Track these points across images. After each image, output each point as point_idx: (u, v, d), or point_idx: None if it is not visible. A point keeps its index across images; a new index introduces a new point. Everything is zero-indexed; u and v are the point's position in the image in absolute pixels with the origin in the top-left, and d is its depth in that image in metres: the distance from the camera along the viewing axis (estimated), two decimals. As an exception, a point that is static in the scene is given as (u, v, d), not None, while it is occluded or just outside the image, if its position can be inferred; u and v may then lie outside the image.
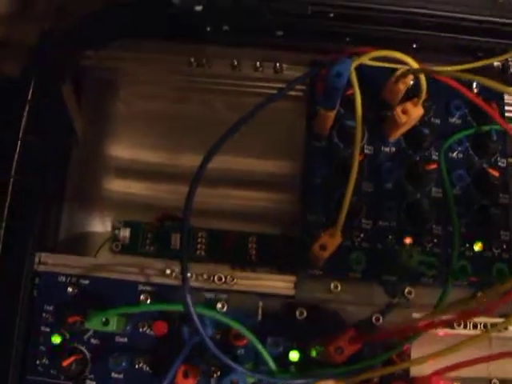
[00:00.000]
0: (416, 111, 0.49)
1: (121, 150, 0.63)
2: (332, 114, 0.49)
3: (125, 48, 0.57)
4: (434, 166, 0.52)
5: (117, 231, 0.60)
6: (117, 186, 0.63)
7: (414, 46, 0.57)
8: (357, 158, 0.44)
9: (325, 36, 0.57)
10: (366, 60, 0.47)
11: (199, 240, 0.61)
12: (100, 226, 0.62)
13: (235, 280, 0.51)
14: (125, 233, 0.60)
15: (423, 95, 0.48)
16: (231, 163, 0.62)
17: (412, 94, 0.51)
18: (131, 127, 0.63)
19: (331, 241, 0.46)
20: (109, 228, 0.62)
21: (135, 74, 0.58)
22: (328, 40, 0.57)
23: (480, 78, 0.42)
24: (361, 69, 0.48)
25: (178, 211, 0.62)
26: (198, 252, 0.60)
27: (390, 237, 0.52)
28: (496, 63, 0.58)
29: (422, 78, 0.47)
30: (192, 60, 0.55)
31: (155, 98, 0.62)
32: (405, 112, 0.49)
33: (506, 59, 0.58)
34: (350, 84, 0.47)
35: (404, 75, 0.49)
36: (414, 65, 0.47)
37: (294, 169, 0.60)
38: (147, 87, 0.60)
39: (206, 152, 0.45)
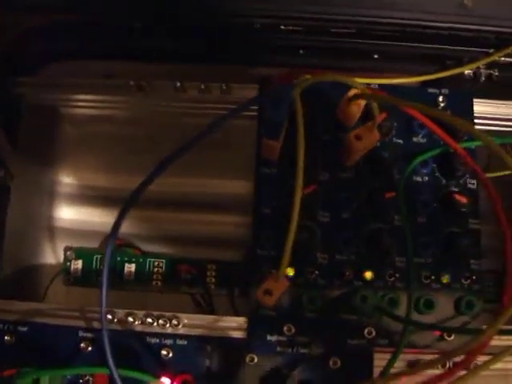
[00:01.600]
0: (371, 137, 0.45)
1: (69, 175, 0.59)
2: (277, 144, 0.45)
3: (65, 71, 0.53)
4: (392, 195, 0.47)
5: (68, 263, 0.57)
6: (67, 213, 0.59)
7: (376, 56, 0.53)
8: (298, 201, 0.40)
9: (276, 49, 0.52)
10: (307, 85, 0.42)
11: (156, 270, 0.57)
12: (51, 257, 0.59)
13: (181, 324, 0.47)
14: (76, 265, 0.57)
15: (376, 121, 0.43)
16: (187, 186, 0.58)
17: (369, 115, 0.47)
18: (79, 151, 0.59)
19: (276, 286, 0.42)
20: (61, 259, 0.58)
21: (79, 100, 0.54)
22: (280, 54, 0.52)
23: (429, 108, 0.37)
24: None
25: (133, 238, 0.59)
26: (154, 282, 0.57)
27: (347, 272, 0.47)
28: (467, 71, 0.53)
29: (374, 104, 0.42)
30: (132, 83, 0.50)
31: (103, 121, 0.57)
32: (359, 138, 0.45)
33: (478, 67, 0.53)
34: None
35: (355, 98, 0.44)
36: (364, 89, 0.42)
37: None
38: (93, 110, 0.56)
39: (146, 177, 0.40)
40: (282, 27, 0.51)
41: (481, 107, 0.53)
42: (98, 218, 0.59)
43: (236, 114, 0.41)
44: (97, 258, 0.57)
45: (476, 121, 0.53)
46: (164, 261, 0.57)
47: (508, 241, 0.37)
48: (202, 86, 0.50)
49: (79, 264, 0.57)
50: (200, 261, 0.57)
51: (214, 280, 0.57)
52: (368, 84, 0.51)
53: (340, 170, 0.49)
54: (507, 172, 0.53)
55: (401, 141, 0.50)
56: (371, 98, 0.42)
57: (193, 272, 0.56)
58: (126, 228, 0.58)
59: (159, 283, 0.57)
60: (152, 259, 0.57)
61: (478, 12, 0.50)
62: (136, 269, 0.57)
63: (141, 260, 0.57)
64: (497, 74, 0.54)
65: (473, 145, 0.50)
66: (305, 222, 0.48)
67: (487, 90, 0.55)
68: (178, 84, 0.50)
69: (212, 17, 0.50)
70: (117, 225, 0.38)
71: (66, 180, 0.59)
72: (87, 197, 0.59)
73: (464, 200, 0.48)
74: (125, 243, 0.58)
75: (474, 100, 0.53)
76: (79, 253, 0.57)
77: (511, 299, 0.34)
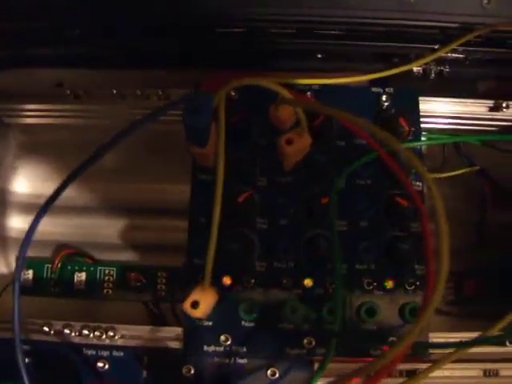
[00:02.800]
0: (302, 141, 0.43)
1: (21, 184, 0.58)
2: (205, 151, 0.44)
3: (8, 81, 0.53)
4: (326, 200, 0.46)
5: (19, 273, 0.56)
6: (18, 222, 0.59)
7: (319, 56, 0.51)
8: (218, 210, 0.39)
9: (216, 52, 0.51)
10: (229, 89, 0.41)
11: (107, 278, 0.56)
12: (3, 266, 0.58)
13: (118, 335, 0.46)
14: (27, 274, 0.56)
15: (303, 126, 0.42)
16: (135, 192, 0.58)
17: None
18: (30, 160, 0.58)
19: (204, 296, 0.41)
20: (13, 268, 0.58)
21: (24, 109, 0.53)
22: (220, 57, 0.51)
23: (345, 113, 0.36)
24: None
25: (84, 247, 0.58)
26: (105, 291, 0.56)
27: (285, 280, 0.46)
28: (416, 68, 0.51)
29: (299, 109, 0.41)
30: (68, 92, 0.49)
31: (54, 129, 0.57)
32: (289, 142, 0.43)
33: (427, 63, 0.51)
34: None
35: (280, 103, 0.42)
36: (287, 94, 0.41)
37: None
38: (41, 119, 0.55)
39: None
40: (221, 29, 0.49)
41: (432, 105, 0.52)
42: (50, 228, 0.58)
43: (153, 118, 0.39)
44: (48, 268, 0.57)
45: (427, 119, 0.51)
46: (115, 269, 0.56)
47: (429, 245, 0.35)
48: (138, 92, 0.49)
49: (30, 274, 0.56)
50: (151, 268, 0.56)
51: (164, 287, 0.56)
52: (310, 85, 0.50)
53: (279, 175, 0.48)
54: (461, 171, 0.52)
55: (343, 143, 0.49)
56: (294, 104, 0.40)
57: (142, 280, 0.55)
58: (78, 237, 0.58)
59: (110, 291, 0.56)
60: (103, 267, 0.56)
61: (420, 8, 0.48)
62: (87, 277, 0.56)
63: (91, 268, 0.56)
64: (448, 70, 0.52)
65: (417, 145, 0.48)
66: (242, 229, 0.47)
67: (439, 87, 0.53)
68: (115, 91, 0.49)
69: (150, 20, 0.49)
70: (30, 231, 0.38)
71: (17, 189, 0.59)
72: (39, 206, 0.58)
73: (405, 203, 0.46)
74: (76, 252, 0.57)
75: (425, 98, 0.51)
76: (30, 262, 0.57)
77: (428, 306, 0.33)
